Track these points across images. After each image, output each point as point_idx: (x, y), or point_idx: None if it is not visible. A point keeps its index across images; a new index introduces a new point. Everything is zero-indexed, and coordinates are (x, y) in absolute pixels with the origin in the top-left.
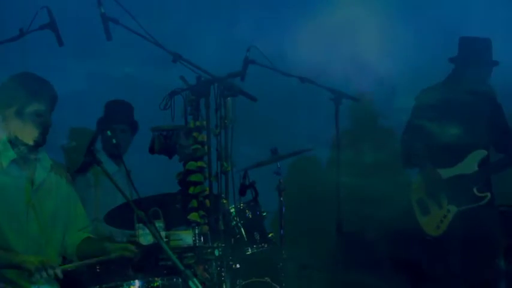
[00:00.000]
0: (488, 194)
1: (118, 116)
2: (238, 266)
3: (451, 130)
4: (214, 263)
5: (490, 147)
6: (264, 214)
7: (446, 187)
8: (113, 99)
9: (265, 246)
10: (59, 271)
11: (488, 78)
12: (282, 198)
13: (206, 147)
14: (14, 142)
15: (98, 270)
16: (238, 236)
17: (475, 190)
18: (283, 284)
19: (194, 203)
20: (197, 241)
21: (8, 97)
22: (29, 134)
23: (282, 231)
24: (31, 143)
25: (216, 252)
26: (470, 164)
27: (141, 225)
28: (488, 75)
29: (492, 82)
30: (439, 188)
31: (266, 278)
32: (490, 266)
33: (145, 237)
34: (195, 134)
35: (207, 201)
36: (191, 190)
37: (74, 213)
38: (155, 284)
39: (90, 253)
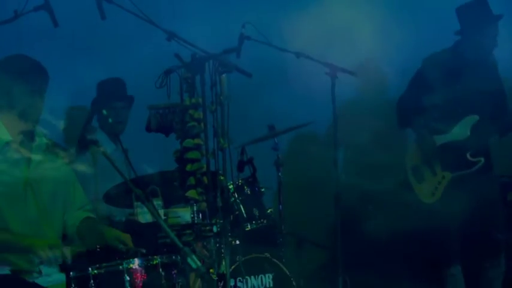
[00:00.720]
0: (482, 159)
1: (116, 93)
2: (237, 242)
3: (450, 95)
4: (212, 240)
5: (487, 114)
6: (263, 190)
7: (440, 153)
8: (106, 78)
9: (265, 222)
10: (68, 253)
11: (497, 36)
12: (280, 174)
13: (202, 124)
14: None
15: (98, 250)
16: (237, 213)
17: (467, 155)
18: (283, 260)
19: (192, 180)
20: (195, 218)
21: None
22: (20, 117)
23: (280, 206)
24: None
25: (214, 229)
26: (462, 130)
27: (139, 203)
28: (495, 33)
29: None
30: (433, 155)
31: (266, 254)
32: (489, 235)
33: (143, 216)
34: (191, 111)
35: (205, 178)
36: (188, 167)
37: (72, 192)
38: (154, 262)
39: (89, 235)
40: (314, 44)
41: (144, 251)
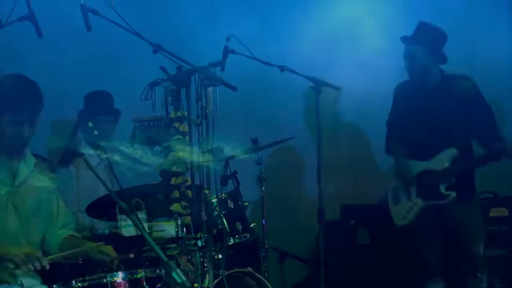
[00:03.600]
0: (453, 194)
1: (102, 107)
2: (220, 256)
3: (426, 123)
4: (197, 254)
5: (469, 142)
6: (246, 204)
7: (416, 180)
8: (94, 91)
9: (247, 236)
10: (45, 262)
11: (413, 56)
12: (263, 188)
13: (187, 138)
14: None
15: (80, 262)
16: (220, 227)
17: (441, 187)
18: (266, 274)
19: (176, 194)
20: (180, 232)
21: None
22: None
23: (263, 220)
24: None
25: (199, 243)
26: (441, 161)
27: (123, 216)
28: (409, 53)
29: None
30: (410, 180)
31: (249, 268)
32: (467, 253)
33: (127, 229)
34: (176, 124)
35: (189, 192)
36: (173, 181)
37: (55, 210)
38: (138, 276)
39: (71, 253)
40: (298, 57)
41: (132, 255)
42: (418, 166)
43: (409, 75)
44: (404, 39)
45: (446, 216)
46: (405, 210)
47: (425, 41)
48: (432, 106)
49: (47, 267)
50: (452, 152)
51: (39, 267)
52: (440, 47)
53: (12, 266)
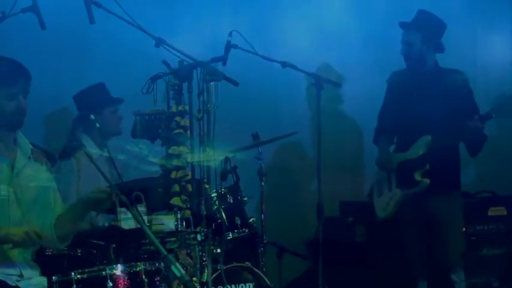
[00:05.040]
0: (426, 180)
1: (105, 98)
2: (219, 250)
3: (413, 114)
4: (197, 248)
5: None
6: (245, 199)
7: (397, 171)
8: (89, 86)
9: (246, 231)
10: (45, 238)
11: (410, 42)
12: (263, 183)
13: (188, 132)
14: None
15: (79, 254)
16: (219, 221)
17: (415, 174)
18: (264, 269)
19: (176, 188)
20: (179, 226)
21: None
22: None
23: (262, 216)
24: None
25: (199, 237)
26: (416, 149)
27: (123, 209)
28: (406, 38)
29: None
30: (390, 170)
31: (247, 263)
32: (442, 253)
33: (127, 222)
34: (177, 118)
35: (189, 186)
36: (173, 175)
37: (53, 200)
38: (137, 269)
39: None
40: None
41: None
42: (397, 157)
43: (405, 60)
44: (403, 24)
45: (424, 209)
46: (385, 201)
47: (424, 27)
48: (422, 96)
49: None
50: (426, 138)
51: (39, 244)
52: (438, 36)
53: (11, 246)
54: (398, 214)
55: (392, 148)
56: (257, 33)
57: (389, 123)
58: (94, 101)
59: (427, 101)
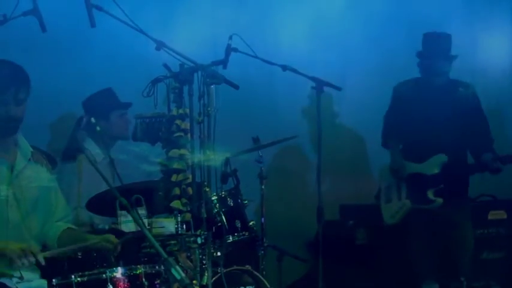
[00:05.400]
0: (439, 200)
1: (114, 102)
2: (219, 254)
3: (423, 125)
4: (197, 251)
5: (463, 151)
6: (246, 202)
7: (407, 181)
8: (103, 89)
9: (246, 234)
10: (41, 258)
11: (449, 72)
12: (263, 187)
13: (189, 135)
14: None
15: (79, 257)
16: (219, 224)
17: (428, 193)
18: (264, 272)
19: (177, 191)
20: (179, 229)
21: None
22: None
23: (263, 219)
24: None
25: (199, 240)
26: (431, 166)
27: (123, 212)
28: (448, 69)
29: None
30: (402, 177)
31: (247, 266)
32: (450, 259)
33: (126, 225)
34: (177, 121)
35: (190, 189)
36: (174, 178)
37: (54, 202)
38: (138, 272)
39: (71, 244)
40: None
41: (130, 235)
42: (410, 167)
43: (420, 72)
44: (451, 57)
45: (436, 218)
46: (394, 209)
47: (442, 52)
48: (432, 109)
49: (43, 262)
50: (442, 158)
51: (34, 263)
52: (450, 50)
53: (7, 260)
54: (408, 220)
55: None
56: (258, 34)
57: (397, 129)
58: (102, 105)
59: (437, 113)
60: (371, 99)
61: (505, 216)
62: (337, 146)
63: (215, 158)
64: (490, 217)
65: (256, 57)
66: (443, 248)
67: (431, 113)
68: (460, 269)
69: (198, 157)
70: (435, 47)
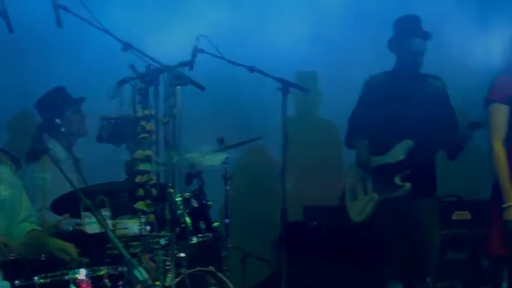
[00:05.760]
0: (407, 184)
1: (66, 99)
2: (182, 255)
3: (392, 118)
4: (160, 252)
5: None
6: (210, 203)
7: (374, 175)
8: (53, 88)
9: (210, 235)
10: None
11: (424, 52)
12: (227, 188)
13: (154, 136)
14: None
15: (42, 258)
16: (183, 225)
17: (396, 178)
18: (228, 273)
19: (141, 192)
20: (143, 230)
21: None
22: None
23: (227, 220)
24: None
25: (162, 241)
26: (395, 154)
27: (87, 213)
28: (424, 49)
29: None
30: (368, 175)
31: (210, 267)
32: (417, 256)
33: (90, 226)
34: (143, 122)
35: (154, 190)
36: (138, 179)
37: (19, 202)
38: (101, 273)
39: (34, 247)
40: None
41: (87, 260)
42: (375, 161)
43: (411, 69)
44: (425, 34)
45: (403, 214)
46: (361, 205)
47: (416, 29)
48: (402, 101)
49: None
50: (407, 143)
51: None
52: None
53: None
54: (375, 217)
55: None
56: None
57: (364, 125)
58: (54, 104)
59: (407, 105)
60: (340, 99)
61: (469, 217)
62: (304, 147)
63: (180, 159)
64: (454, 218)
65: (223, 58)
66: (410, 248)
67: (401, 106)
68: (426, 269)
69: (162, 159)
70: (409, 27)
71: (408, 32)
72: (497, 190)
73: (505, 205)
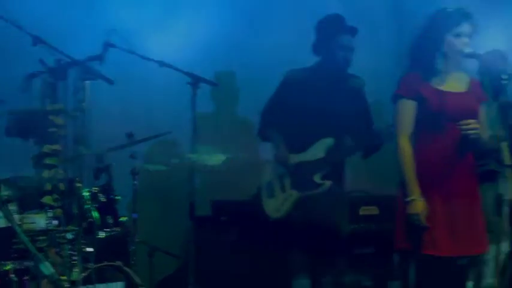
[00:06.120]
0: (327, 182)
1: None
2: (89, 249)
3: (310, 114)
4: (66, 247)
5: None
6: (118, 198)
7: (292, 172)
8: None
9: (118, 230)
10: None
11: (353, 48)
12: (135, 182)
13: (63, 131)
14: None
15: None
16: (90, 220)
17: (315, 177)
18: (135, 268)
19: (48, 186)
20: (50, 224)
21: None
22: None
23: (135, 215)
24: None
25: (68, 236)
26: (315, 151)
27: None
28: (352, 44)
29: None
30: (285, 172)
31: (118, 262)
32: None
33: None
34: (51, 117)
35: (61, 185)
36: (45, 174)
37: None
38: (6, 268)
39: None
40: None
41: None
42: (293, 158)
43: (343, 66)
44: (353, 29)
45: (311, 212)
46: (279, 202)
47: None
48: (322, 97)
49: None
50: (328, 142)
51: None
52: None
53: None
54: (288, 216)
55: None
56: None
57: (277, 118)
58: None
59: (327, 102)
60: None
61: (377, 212)
62: (214, 140)
63: (88, 153)
64: (361, 212)
65: (133, 52)
66: (318, 243)
67: (321, 102)
68: (333, 263)
69: (71, 153)
70: (335, 24)
71: (336, 29)
72: (404, 185)
73: (408, 199)
